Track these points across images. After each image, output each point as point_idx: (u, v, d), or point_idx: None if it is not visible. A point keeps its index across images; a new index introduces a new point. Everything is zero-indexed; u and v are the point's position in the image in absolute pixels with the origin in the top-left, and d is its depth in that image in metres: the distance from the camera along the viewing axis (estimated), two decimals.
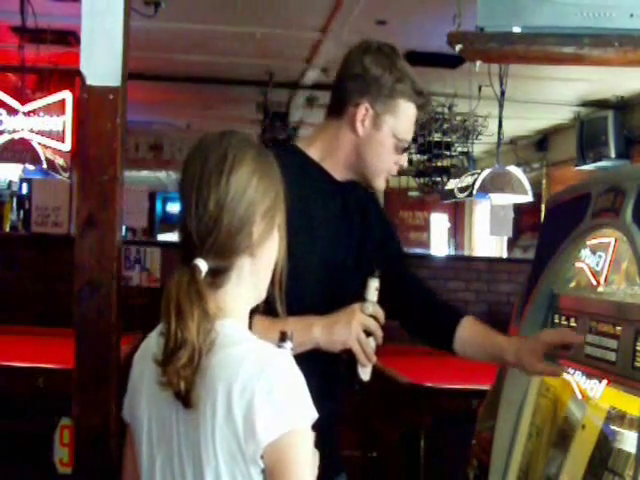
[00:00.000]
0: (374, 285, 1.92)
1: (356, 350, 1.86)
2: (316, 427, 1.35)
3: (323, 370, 1.96)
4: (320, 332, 1.84)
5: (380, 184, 2.03)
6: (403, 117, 1.96)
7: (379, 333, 1.88)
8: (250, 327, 1.46)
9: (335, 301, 1.91)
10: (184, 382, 1.28)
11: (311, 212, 1.94)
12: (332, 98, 2.02)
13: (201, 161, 1.38)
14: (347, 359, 1.92)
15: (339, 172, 2.00)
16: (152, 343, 1.41)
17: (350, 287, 1.97)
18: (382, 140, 1.95)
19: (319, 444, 1.43)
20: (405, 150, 2.00)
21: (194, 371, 1.28)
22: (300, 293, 1.76)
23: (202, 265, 1.34)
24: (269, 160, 1.44)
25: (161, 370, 1.31)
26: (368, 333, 1.87)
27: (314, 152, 2.00)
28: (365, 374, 1.93)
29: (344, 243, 2.03)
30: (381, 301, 2.11)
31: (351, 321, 1.85)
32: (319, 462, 1.41)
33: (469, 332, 2.07)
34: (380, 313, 1.90)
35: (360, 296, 1.91)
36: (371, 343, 1.88)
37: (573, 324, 2.00)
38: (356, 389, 1.96)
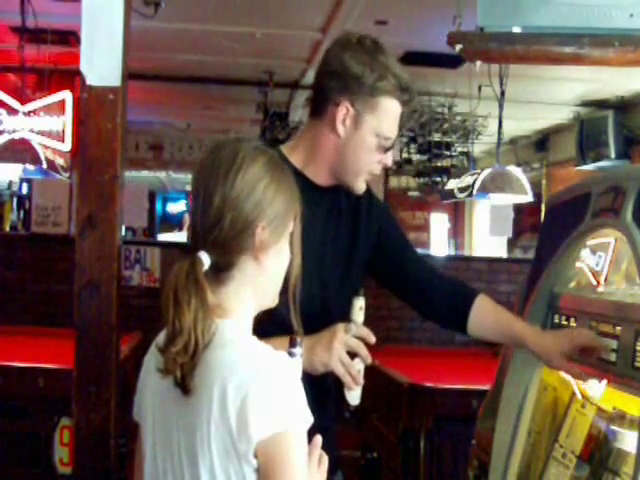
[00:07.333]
0: (358, 304, 1.81)
1: (339, 372, 1.74)
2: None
3: (313, 390, 1.94)
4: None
5: (360, 186, 1.94)
6: (386, 115, 1.86)
7: (364, 353, 1.75)
8: None
9: (325, 312, 1.84)
10: (180, 369, 1.31)
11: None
12: (313, 98, 1.94)
13: (212, 161, 1.42)
14: (335, 383, 1.81)
15: (323, 177, 1.93)
16: (159, 342, 1.42)
17: (339, 296, 1.90)
18: (363, 140, 1.87)
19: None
20: (389, 149, 1.92)
21: (191, 359, 1.31)
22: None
23: (204, 257, 1.36)
24: (283, 172, 1.46)
25: (161, 359, 1.34)
26: (353, 355, 1.75)
27: (297, 158, 1.92)
28: (353, 398, 1.79)
29: (331, 251, 1.95)
30: (394, 287, 2.08)
31: (332, 342, 1.73)
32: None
33: (484, 313, 2.04)
34: (366, 333, 1.77)
35: (349, 305, 1.81)
36: (357, 365, 1.75)
37: (573, 324, 2.00)
38: (346, 417, 1.85)
